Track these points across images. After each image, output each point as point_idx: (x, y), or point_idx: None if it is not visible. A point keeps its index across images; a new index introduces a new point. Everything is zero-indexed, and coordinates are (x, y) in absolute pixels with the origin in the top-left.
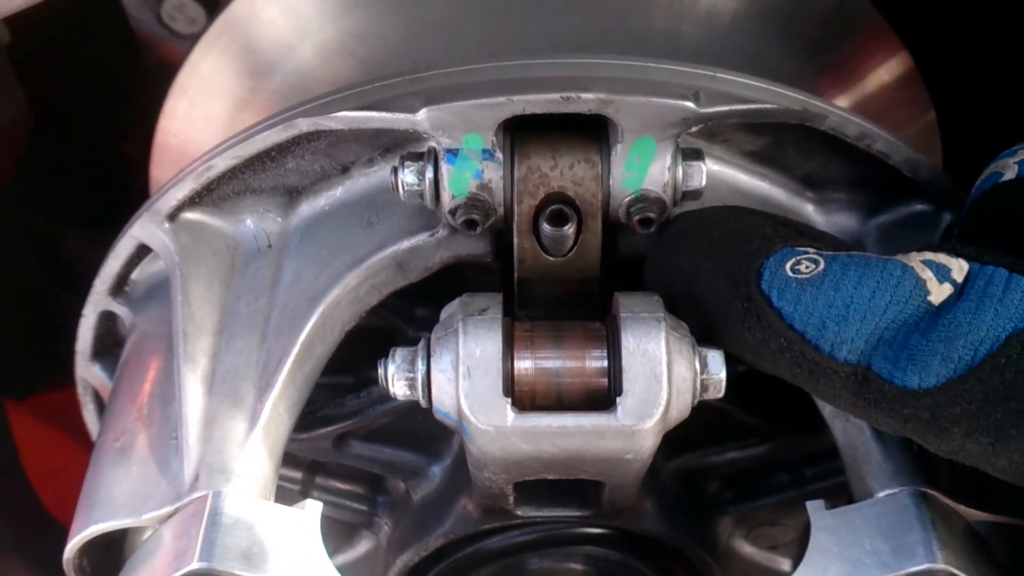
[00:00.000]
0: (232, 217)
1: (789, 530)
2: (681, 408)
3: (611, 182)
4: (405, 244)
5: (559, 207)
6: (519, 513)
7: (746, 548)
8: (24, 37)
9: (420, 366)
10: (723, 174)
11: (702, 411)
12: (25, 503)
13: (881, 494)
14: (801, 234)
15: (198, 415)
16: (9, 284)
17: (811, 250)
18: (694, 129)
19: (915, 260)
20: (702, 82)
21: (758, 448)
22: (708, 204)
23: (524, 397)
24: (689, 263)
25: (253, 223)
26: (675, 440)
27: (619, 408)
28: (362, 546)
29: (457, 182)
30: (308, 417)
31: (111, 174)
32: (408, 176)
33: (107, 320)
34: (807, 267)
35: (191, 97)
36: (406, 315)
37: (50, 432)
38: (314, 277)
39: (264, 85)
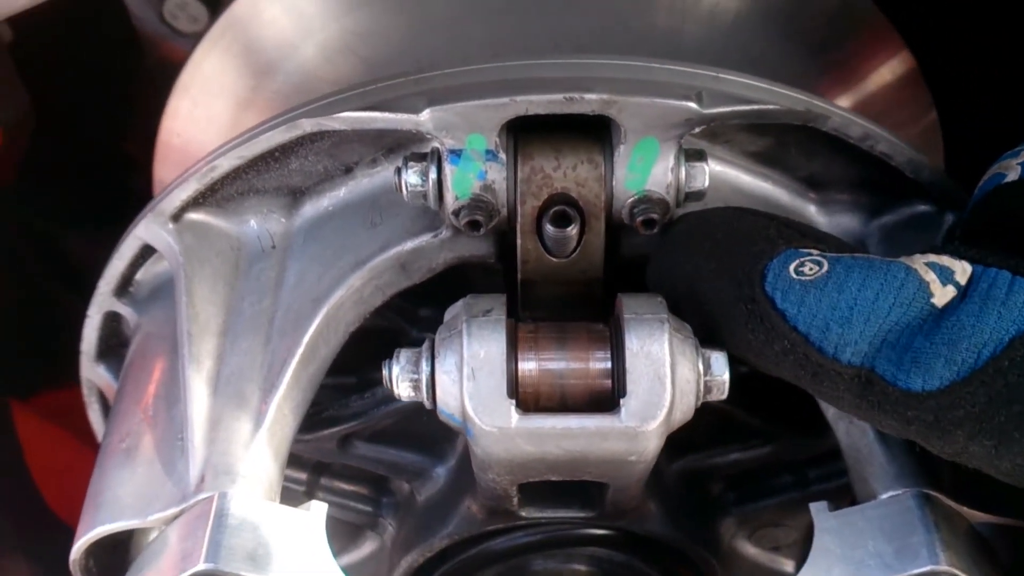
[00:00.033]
0: (236, 218)
1: (792, 531)
2: (685, 410)
3: (614, 183)
4: (409, 245)
5: (562, 208)
6: (523, 514)
7: (749, 549)
8: (26, 36)
9: (424, 367)
10: (726, 175)
11: (705, 412)
12: (29, 503)
13: (884, 496)
14: (804, 235)
15: (203, 416)
16: (11, 284)
17: (815, 252)
18: (697, 130)
19: (918, 262)
20: (705, 83)
21: (761, 449)
22: (711, 205)
23: (528, 398)
24: (692, 264)
25: (257, 224)
26: (678, 441)
27: (623, 410)
28: (367, 547)
29: (460, 183)
30: (313, 418)
31: (113, 173)
32: (411, 177)
33: (112, 321)
34: (811, 269)
35: (194, 96)
36: (409, 316)
37: (54, 432)
38: (318, 278)
39: (267, 84)
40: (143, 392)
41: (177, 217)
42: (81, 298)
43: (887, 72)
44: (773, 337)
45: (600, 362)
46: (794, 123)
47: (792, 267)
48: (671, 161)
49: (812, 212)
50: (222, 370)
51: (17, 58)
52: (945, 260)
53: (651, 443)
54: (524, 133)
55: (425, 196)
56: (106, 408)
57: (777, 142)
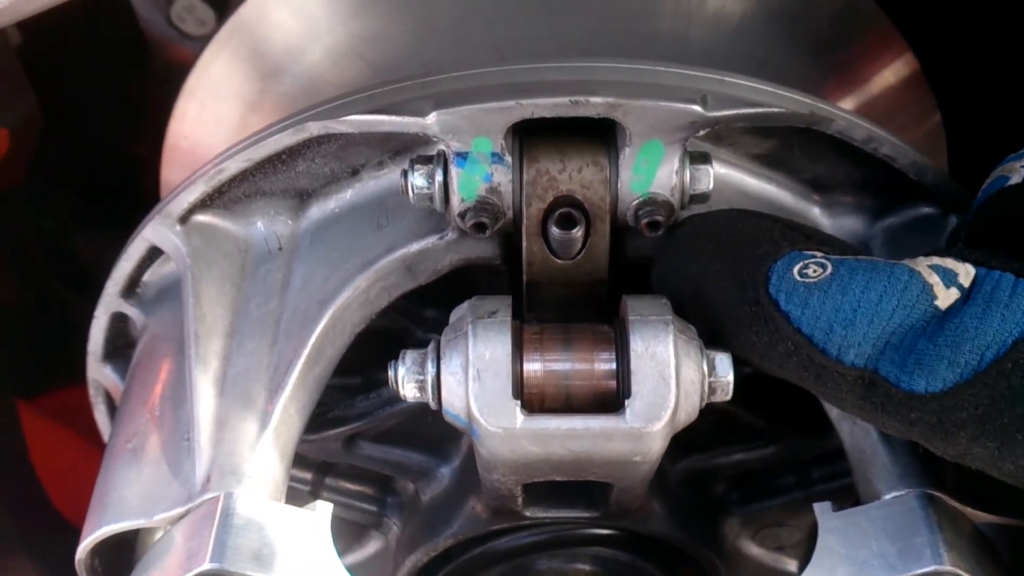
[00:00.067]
0: (243, 220)
1: (796, 531)
2: (689, 410)
3: (619, 185)
4: (414, 247)
5: (568, 210)
6: (527, 514)
7: (753, 549)
8: (34, 38)
9: (430, 368)
10: (730, 177)
11: (709, 413)
12: (35, 502)
13: (888, 496)
14: (808, 238)
15: (210, 417)
16: (19, 284)
17: (819, 254)
18: (702, 133)
19: (922, 265)
20: (710, 86)
21: (765, 450)
22: (715, 207)
23: (533, 399)
24: (697, 266)
25: (264, 225)
26: (682, 441)
27: (628, 411)
28: (371, 546)
29: (466, 185)
30: (318, 418)
31: (121, 175)
32: (418, 179)
33: (119, 322)
34: (815, 271)
35: (201, 99)
36: (415, 317)
37: (60, 431)
38: (324, 280)
39: (274, 87)
40: (149, 393)
41: (184, 219)
42: (88, 299)
43: (891, 75)
44: (777, 339)
45: (605, 363)
46: (798, 126)
47: (796, 269)
48: (676, 164)
49: (816, 214)
50: (228, 371)
51: (25, 60)
52: (948, 263)
53: (656, 444)
54: (530, 136)
55: (431, 198)
56: (112, 408)
57: (781, 145)
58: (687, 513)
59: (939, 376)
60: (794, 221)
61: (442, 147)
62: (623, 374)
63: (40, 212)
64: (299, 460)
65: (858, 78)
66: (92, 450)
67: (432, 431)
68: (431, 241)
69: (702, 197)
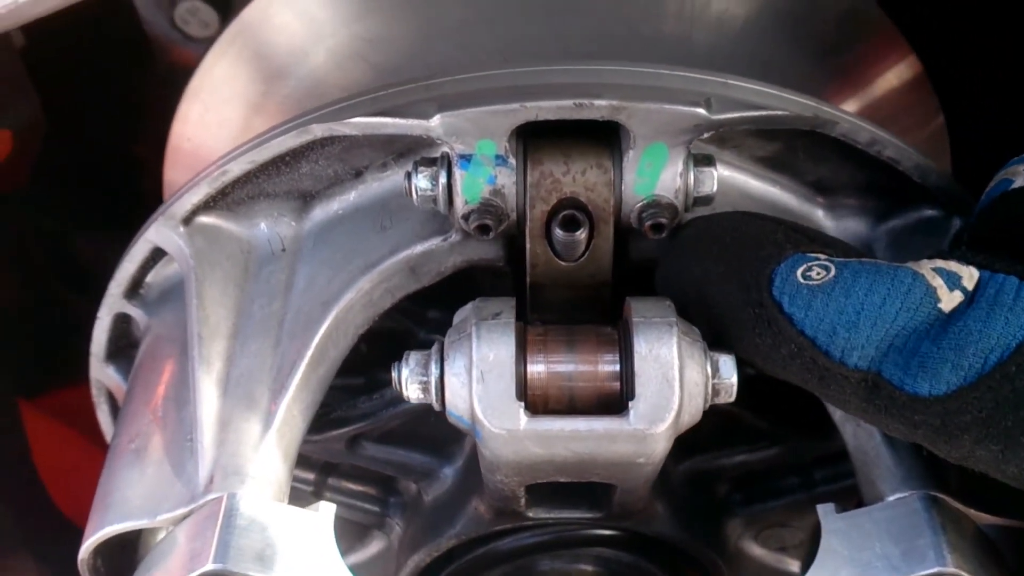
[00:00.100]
0: (246, 221)
1: (798, 532)
2: (693, 412)
3: (623, 188)
4: (418, 248)
5: (571, 212)
6: (530, 515)
7: (755, 550)
8: (37, 41)
9: (434, 370)
10: (734, 180)
11: (712, 414)
12: (37, 502)
13: (891, 498)
14: (812, 240)
15: (213, 418)
16: (22, 285)
17: (822, 256)
18: (706, 135)
19: (926, 267)
20: (714, 89)
21: (768, 451)
22: (719, 209)
23: (537, 401)
24: (700, 268)
25: (267, 227)
26: (685, 443)
27: (631, 412)
28: (374, 546)
29: (470, 187)
30: (321, 419)
31: (123, 177)
32: (421, 181)
33: (121, 322)
34: (818, 273)
35: (204, 101)
36: (418, 318)
37: (62, 431)
38: (327, 281)
39: (277, 89)
40: (153, 393)
41: (188, 220)
42: (91, 300)
43: (894, 77)
44: (780, 341)
45: (609, 365)
46: (802, 128)
47: (800, 271)
48: (680, 166)
49: (820, 216)
50: (232, 372)
51: (28, 63)
52: (952, 265)
53: (659, 445)
54: (534, 138)
55: (435, 200)
56: (115, 409)
57: (785, 147)
58: (690, 514)
59: (943, 379)
60: (798, 223)
61: (446, 149)
62: (627, 376)
63: (41, 212)
64: (302, 461)
65: (862, 81)
66: (94, 450)
67: (435, 432)
68: (435, 243)
69: (706, 199)
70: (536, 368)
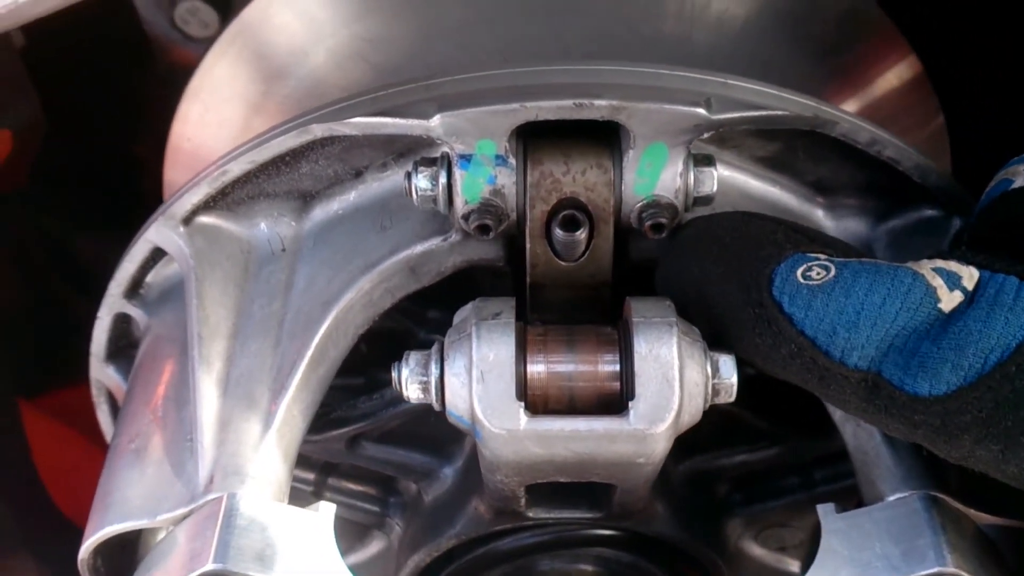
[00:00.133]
0: (246, 221)
1: (798, 532)
2: (693, 412)
3: (623, 188)
4: (418, 248)
5: (571, 212)
6: (530, 515)
7: (755, 550)
8: (37, 41)
9: (434, 370)
10: (734, 180)
11: (712, 414)
12: (37, 502)
13: (891, 498)
14: (812, 240)
15: (213, 417)
16: (22, 285)
17: (822, 256)
18: (706, 135)
19: (926, 268)
20: (714, 89)
21: (768, 451)
22: (719, 209)
23: (537, 401)
24: (700, 268)
25: (267, 227)
26: (685, 443)
27: (631, 412)
28: (374, 546)
29: (470, 187)
30: (321, 419)
31: (124, 177)
32: (421, 181)
33: (121, 322)
34: (818, 273)
35: (204, 101)
36: (418, 318)
37: (62, 431)
38: (328, 281)
39: (277, 89)
40: (153, 393)
41: (188, 220)
42: (91, 300)
43: (894, 77)
44: (780, 341)
45: (609, 365)
46: (802, 129)
47: (800, 272)
48: (680, 166)
49: (820, 216)
50: (232, 372)
51: (28, 63)
52: (952, 265)
53: (659, 445)
54: (534, 138)
55: (435, 200)
56: (115, 409)
57: (785, 147)
58: (690, 514)
59: (943, 379)
60: (798, 223)
61: (446, 149)
62: (627, 376)
63: (41, 212)
64: (302, 461)
65: (862, 81)
66: (94, 450)
67: (435, 432)
68: (435, 243)
69: (706, 200)
70: (536, 368)
